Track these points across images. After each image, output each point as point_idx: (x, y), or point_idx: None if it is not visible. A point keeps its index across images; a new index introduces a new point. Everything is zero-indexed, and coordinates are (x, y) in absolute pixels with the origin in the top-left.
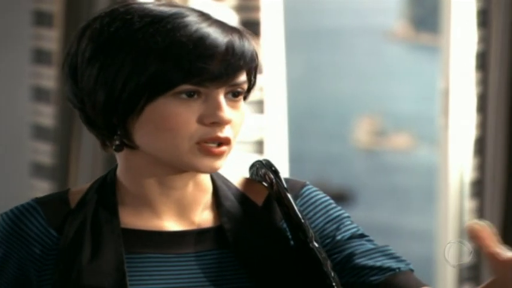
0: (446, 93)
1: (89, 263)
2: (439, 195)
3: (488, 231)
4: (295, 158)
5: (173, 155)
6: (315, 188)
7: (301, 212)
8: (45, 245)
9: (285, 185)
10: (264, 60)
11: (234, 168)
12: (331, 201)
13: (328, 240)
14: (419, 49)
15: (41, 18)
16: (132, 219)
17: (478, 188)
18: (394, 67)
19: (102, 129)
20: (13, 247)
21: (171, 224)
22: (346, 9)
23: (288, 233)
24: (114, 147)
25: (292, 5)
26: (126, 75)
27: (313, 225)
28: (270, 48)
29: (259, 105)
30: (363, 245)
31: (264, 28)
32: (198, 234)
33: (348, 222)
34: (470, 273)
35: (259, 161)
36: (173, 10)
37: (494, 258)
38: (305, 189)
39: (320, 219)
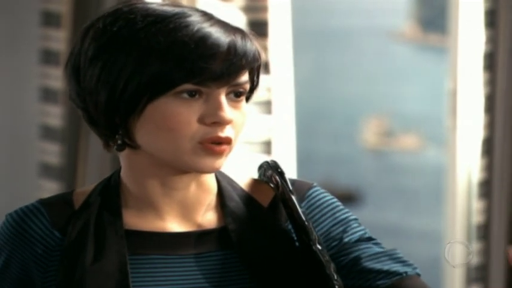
0: (454, 94)
1: (92, 264)
2: (447, 195)
3: None
4: (303, 159)
5: (174, 155)
6: (322, 190)
7: (305, 214)
8: (48, 246)
9: (290, 187)
10: (271, 60)
11: (242, 168)
12: (338, 203)
13: (335, 243)
14: (427, 50)
15: (49, 19)
16: (135, 220)
17: (486, 188)
18: (402, 68)
19: (104, 129)
20: (17, 248)
21: (174, 225)
22: (354, 9)
23: (293, 235)
24: (115, 146)
25: (300, 5)
26: (128, 75)
27: (319, 227)
28: (278, 49)
29: (267, 106)
30: (370, 248)
31: (271, 28)
32: (201, 235)
33: (355, 225)
34: (478, 273)
35: (266, 162)
36: (176, 10)
37: None
38: (312, 191)
39: (327, 221)
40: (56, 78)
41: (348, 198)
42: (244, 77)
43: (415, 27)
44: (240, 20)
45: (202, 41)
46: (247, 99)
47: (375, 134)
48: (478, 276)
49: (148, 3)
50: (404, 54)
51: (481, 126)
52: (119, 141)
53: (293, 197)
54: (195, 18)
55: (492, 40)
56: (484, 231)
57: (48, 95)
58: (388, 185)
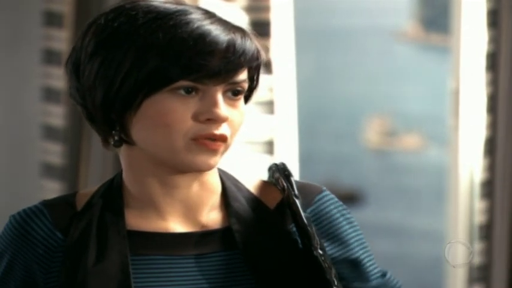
0: (456, 94)
1: (94, 265)
2: (449, 195)
3: None
4: (305, 159)
5: (168, 151)
6: (331, 196)
7: (308, 218)
8: (50, 247)
9: (296, 191)
10: (274, 60)
11: (249, 170)
12: (345, 211)
13: (337, 251)
14: (429, 49)
15: (51, 19)
16: (137, 221)
17: (488, 188)
18: (404, 67)
19: (102, 125)
20: (20, 249)
21: (176, 225)
22: (356, 9)
23: (298, 238)
24: (113, 142)
25: (302, 5)
26: (125, 70)
27: (327, 232)
28: (280, 49)
29: (269, 106)
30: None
31: (274, 28)
32: (204, 236)
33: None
34: (480, 273)
35: (275, 164)
36: (178, 8)
37: None
38: (321, 196)
39: (333, 228)
40: (58, 78)
41: (350, 198)
42: (242, 76)
43: (417, 26)
44: (242, 20)
45: (201, 38)
46: (247, 99)
47: (377, 134)
48: (480, 276)
49: (151, 1)
50: (406, 54)
51: (483, 126)
52: (116, 137)
53: (297, 201)
54: (196, 16)
55: (494, 40)
56: (486, 231)
57: (50, 94)
58: (390, 184)
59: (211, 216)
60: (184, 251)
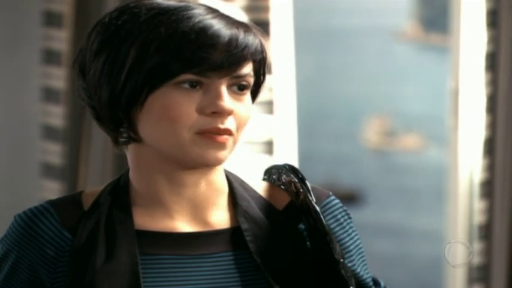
0: (456, 94)
1: (103, 264)
2: (448, 195)
3: None
4: (304, 159)
5: (174, 146)
6: (335, 201)
7: (329, 226)
8: (58, 247)
9: (313, 196)
10: (273, 60)
11: (246, 168)
12: (349, 219)
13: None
14: (429, 49)
15: (51, 19)
16: (145, 220)
17: (488, 188)
18: (404, 67)
19: (109, 124)
20: (26, 249)
21: (184, 224)
22: (356, 9)
23: (307, 241)
24: (121, 140)
25: (302, 5)
26: (129, 66)
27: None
28: (280, 49)
29: (269, 106)
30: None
31: (273, 28)
32: (212, 235)
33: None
34: (480, 273)
35: (284, 166)
36: (180, 4)
37: None
38: (327, 201)
39: (339, 232)
40: (58, 78)
41: (350, 198)
42: (247, 69)
43: (416, 26)
44: (241, 17)
45: (203, 32)
46: (255, 94)
47: (376, 134)
48: (479, 276)
49: None
50: (406, 53)
51: (483, 126)
52: (124, 135)
53: (317, 208)
54: (198, 11)
55: (494, 40)
56: (486, 231)
57: (50, 95)
58: (390, 184)
59: (219, 216)
60: (193, 251)
